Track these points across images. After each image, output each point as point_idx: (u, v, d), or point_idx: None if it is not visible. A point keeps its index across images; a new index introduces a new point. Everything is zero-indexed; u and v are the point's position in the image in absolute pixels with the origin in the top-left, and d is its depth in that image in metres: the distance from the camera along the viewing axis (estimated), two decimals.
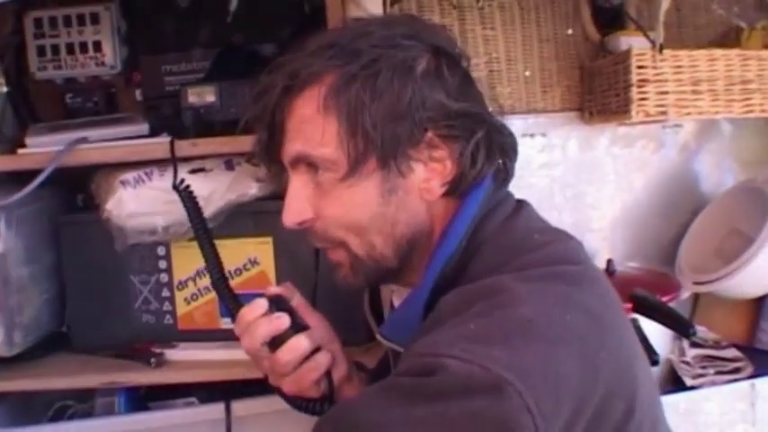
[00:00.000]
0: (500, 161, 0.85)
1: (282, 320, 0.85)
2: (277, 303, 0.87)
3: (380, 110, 0.77)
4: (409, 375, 0.67)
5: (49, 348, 1.24)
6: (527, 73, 1.52)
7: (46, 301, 1.24)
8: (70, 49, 1.28)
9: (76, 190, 1.30)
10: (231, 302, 0.95)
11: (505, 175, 0.87)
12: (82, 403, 1.25)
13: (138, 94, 1.34)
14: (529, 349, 0.65)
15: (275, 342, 0.85)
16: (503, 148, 0.86)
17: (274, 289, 0.90)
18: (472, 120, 0.81)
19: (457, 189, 0.82)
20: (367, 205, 0.80)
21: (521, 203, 0.87)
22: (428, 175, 0.81)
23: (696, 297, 1.58)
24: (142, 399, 1.23)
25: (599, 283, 0.77)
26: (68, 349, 1.25)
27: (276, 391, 0.91)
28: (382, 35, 0.80)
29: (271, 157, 0.88)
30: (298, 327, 0.86)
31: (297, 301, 0.91)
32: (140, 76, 1.33)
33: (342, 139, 0.78)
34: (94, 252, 1.21)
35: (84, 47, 1.28)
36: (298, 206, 0.83)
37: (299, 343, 0.85)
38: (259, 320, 0.85)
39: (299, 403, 0.89)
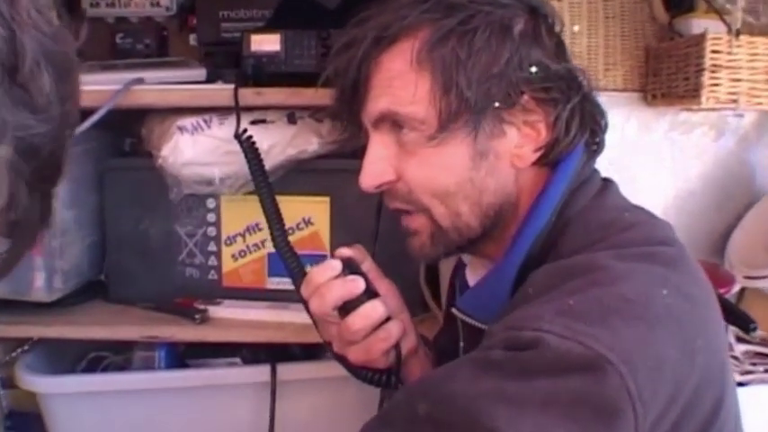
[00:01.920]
0: (591, 132, 0.81)
1: (357, 284, 0.79)
2: (349, 266, 0.82)
3: (476, 68, 0.73)
4: (502, 349, 0.62)
5: (88, 297, 1.20)
6: (575, 27, 1.46)
7: (88, 247, 1.19)
8: None
9: (124, 134, 1.25)
10: (293, 262, 0.90)
11: (597, 147, 0.83)
12: (117, 355, 1.20)
13: (192, 38, 1.28)
14: (629, 330, 0.61)
15: (346, 307, 0.79)
16: (595, 118, 0.82)
17: (346, 251, 0.84)
18: (569, 84, 0.77)
19: (548, 157, 0.78)
20: (455, 168, 0.76)
21: (608, 181, 0.83)
22: (521, 140, 0.77)
23: (741, 292, 1.54)
24: (181, 355, 1.19)
25: (693, 268, 0.73)
26: (106, 299, 1.21)
27: (338, 359, 0.86)
28: None
29: (350, 114, 0.83)
30: (370, 293, 0.81)
31: (368, 265, 0.85)
32: (195, 20, 1.27)
33: (434, 96, 0.74)
34: (140, 199, 1.17)
35: None
36: (379, 167, 0.79)
37: (374, 309, 0.80)
38: (332, 283, 0.79)
39: (365, 374, 0.84)
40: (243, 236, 1.16)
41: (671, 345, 0.62)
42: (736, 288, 1.45)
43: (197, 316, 1.10)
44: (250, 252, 1.16)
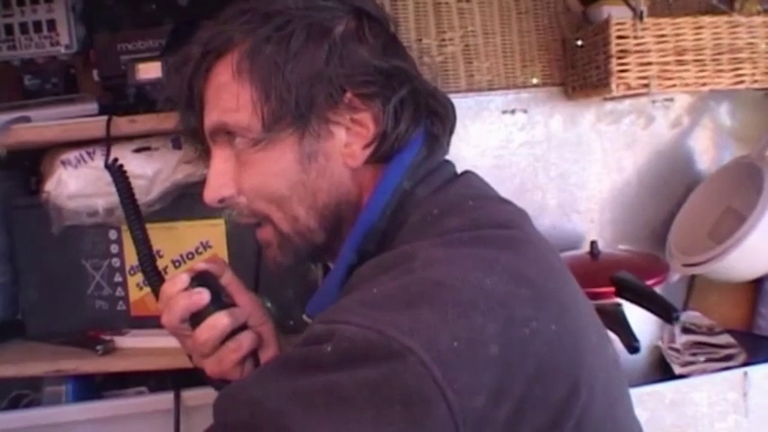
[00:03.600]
0: (430, 123, 0.80)
1: (202, 296, 0.80)
2: (202, 279, 0.82)
3: (295, 71, 0.74)
4: (304, 345, 0.61)
5: (4, 337, 1.21)
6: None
7: (1, 288, 1.20)
8: (24, 28, 1.25)
9: (31, 173, 1.26)
10: (156, 283, 0.90)
11: (436, 140, 0.81)
12: (38, 392, 1.21)
13: (95, 73, 1.30)
14: (435, 315, 0.58)
15: (196, 319, 0.80)
16: (433, 111, 0.81)
17: (201, 264, 0.85)
18: (395, 78, 0.77)
19: (381, 153, 0.77)
20: (285, 172, 0.76)
21: (465, 173, 0.82)
22: (350, 139, 0.77)
23: (691, 281, 1.50)
24: (97, 387, 1.19)
25: (536, 248, 0.70)
26: (24, 337, 1.22)
27: (200, 372, 0.85)
28: None
29: (195, 134, 0.85)
30: (221, 304, 0.81)
31: (227, 278, 0.85)
32: (95, 55, 1.28)
33: (255, 102, 0.75)
34: (47, 236, 1.17)
35: (38, 26, 1.25)
36: (218, 182, 0.80)
37: (219, 320, 0.79)
38: (178, 295, 0.80)
39: (222, 386, 0.83)
40: None
41: (492, 327, 0.59)
42: (675, 278, 1.41)
43: (98, 347, 1.11)
44: None
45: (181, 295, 0.80)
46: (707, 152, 1.51)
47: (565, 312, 0.66)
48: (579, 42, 1.38)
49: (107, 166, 0.97)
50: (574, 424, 0.61)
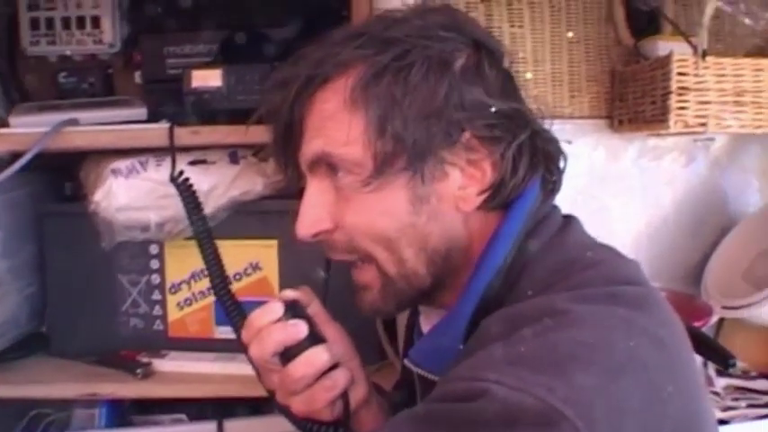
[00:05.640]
0: (545, 169, 0.77)
1: (299, 328, 0.74)
2: (293, 309, 0.76)
3: (413, 106, 0.69)
4: (446, 401, 0.58)
5: (29, 350, 1.14)
6: (570, 34, 1.41)
7: (26, 298, 1.13)
8: (66, 23, 1.18)
9: (66, 177, 1.19)
10: (233, 309, 0.85)
11: (553, 185, 0.78)
12: (60, 412, 1.13)
13: (137, 76, 1.23)
14: (587, 379, 0.55)
15: (288, 353, 0.74)
16: (548, 155, 0.77)
17: (290, 293, 0.78)
18: (515, 121, 0.73)
19: (497, 199, 0.73)
20: (395, 213, 0.71)
21: (569, 218, 0.78)
22: (465, 181, 0.72)
23: (720, 322, 1.49)
24: (126, 411, 1.12)
25: (662, 308, 0.67)
26: (48, 352, 1.14)
27: (282, 410, 0.79)
28: (417, 25, 0.72)
29: (287, 157, 0.78)
30: (315, 338, 0.75)
31: (315, 308, 0.80)
32: (140, 57, 1.22)
33: (369, 137, 0.69)
34: (80, 246, 1.11)
35: (81, 22, 1.19)
36: (315, 215, 0.74)
37: (317, 356, 0.74)
38: (272, 326, 0.74)
39: (309, 426, 0.77)
40: (188, 283, 1.11)
41: (636, 394, 0.57)
42: (714, 319, 1.40)
43: (138, 371, 1.04)
44: (196, 300, 1.11)
45: (275, 327, 0.74)
46: (743, 194, 1.50)
47: (690, 373, 0.65)
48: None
49: (173, 180, 0.91)
50: None
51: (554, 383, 0.54)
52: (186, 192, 0.90)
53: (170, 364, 1.08)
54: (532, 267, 0.70)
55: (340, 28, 0.75)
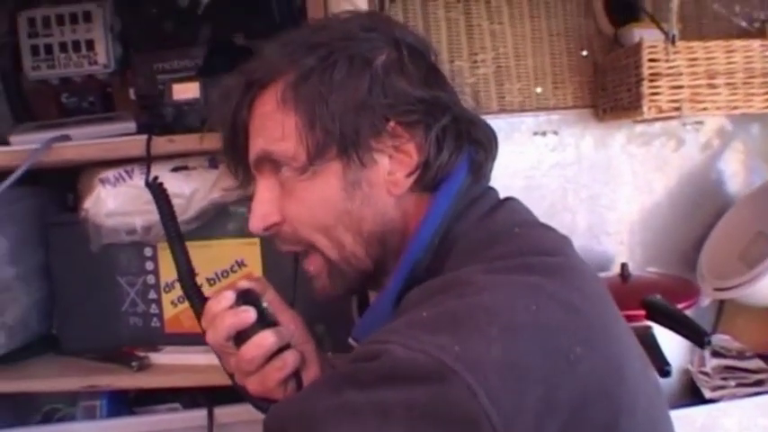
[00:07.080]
0: (473, 152, 0.82)
1: (248, 314, 0.80)
2: (246, 298, 0.82)
3: (338, 101, 0.76)
4: (354, 362, 0.63)
5: (38, 351, 1.22)
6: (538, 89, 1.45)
7: (36, 303, 1.22)
8: (63, 48, 1.26)
9: (68, 189, 1.28)
10: (196, 300, 0.91)
11: (480, 168, 0.82)
12: (71, 406, 1.22)
13: (132, 92, 1.32)
14: (482, 337, 0.59)
15: (241, 337, 0.80)
16: (475, 139, 0.82)
17: (245, 283, 0.86)
18: (436, 107, 0.78)
19: (425, 180, 0.79)
20: (330, 201, 0.78)
21: (506, 200, 0.82)
22: (393, 166, 0.78)
23: (721, 304, 1.49)
24: (130, 403, 1.20)
25: (581, 276, 0.71)
26: (58, 352, 1.23)
27: (241, 391, 0.86)
28: (340, 29, 0.81)
29: (238, 162, 0.86)
30: (266, 322, 0.81)
31: (270, 297, 0.86)
32: (133, 75, 1.30)
33: (300, 132, 0.77)
34: (83, 252, 1.19)
35: (76, 45, 1.26)
36: (263, 210, 0.81)
37: (266, 339, 0.80)
38: (225, 313, 0.81)
39: (264, 405, 0.83)
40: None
41: (537, 350, 0.60)
42: (706, 302, 1.41)
43: (134, 363, 1.12)
44: None
45: (227, 313, 0.80)
46: (737, 175, 1.51)
47: (609, 339, 0.67)
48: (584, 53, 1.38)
49: (147, 185, 0.98)
50: None
51: (447, 342, 0.58)
52: (158, 192, 0.97)
53: (164, 357, 1.15)
54: (459, 246, 0.75)
55: (273, 39, 0.83)
